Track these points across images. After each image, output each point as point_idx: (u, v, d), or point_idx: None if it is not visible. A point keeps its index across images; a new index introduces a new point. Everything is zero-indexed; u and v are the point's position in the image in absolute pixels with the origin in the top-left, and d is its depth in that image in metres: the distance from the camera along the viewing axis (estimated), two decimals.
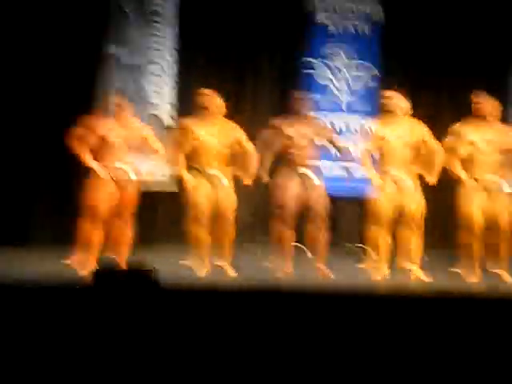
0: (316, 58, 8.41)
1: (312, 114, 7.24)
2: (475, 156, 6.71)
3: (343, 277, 6.69)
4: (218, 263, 6.79)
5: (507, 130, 6.86)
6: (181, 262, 6.76)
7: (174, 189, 7.76)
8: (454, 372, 3.97)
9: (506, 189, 6.75)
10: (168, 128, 8.06)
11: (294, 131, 6.81)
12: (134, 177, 6.72)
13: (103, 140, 6.65)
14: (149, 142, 6.84)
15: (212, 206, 6.74)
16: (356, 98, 8.39)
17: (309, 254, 7.15)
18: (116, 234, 6.69)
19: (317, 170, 6.91)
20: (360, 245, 7.89)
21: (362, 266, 6.98)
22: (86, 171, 6.66)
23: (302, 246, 7.69)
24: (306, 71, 8.38)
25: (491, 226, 6.71)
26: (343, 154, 7.05)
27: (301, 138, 6.81)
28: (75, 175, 7.05)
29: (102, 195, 6.58)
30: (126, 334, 4.02)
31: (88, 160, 6.61)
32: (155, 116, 8.15)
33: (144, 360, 3.86)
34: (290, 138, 6.81)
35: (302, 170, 6.81)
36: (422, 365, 4.00)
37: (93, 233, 6.56)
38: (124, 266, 6.39)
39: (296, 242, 7.31)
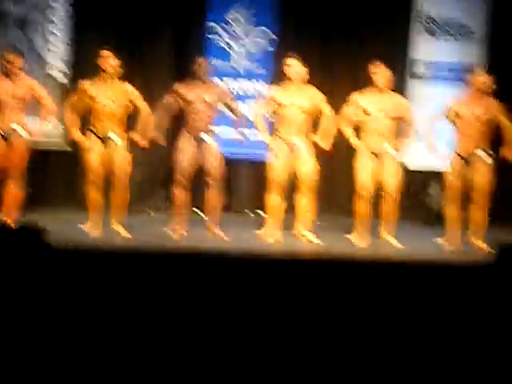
0: (217, 22, 8.41)
1: (212, 78, 7.29)
2: (369, 124, 6.88)
3: (238, 241, 6.79)
4: (114, 226, 6.79)
5: (398, 98, 7.04)
6: (79, 225, 6.73)
7: (68, 148, 7.69)
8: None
9: (396, 156, 6.97)
10: (62, 87, 7.95)
11: (194, 96, 6.85)
12: (24, 136, 6.61)
13: None
14: (42, 100, 6.73)
15: (107, 169, 6.73)
16: (254, 62, 8.44)
17: (204, 217, 7.24)
18: (6, 194, 6.60)
19: (215, 135, 7.00)
20: (258, 210, 8.07)
21: (258, 231, 7.06)
22: None
23: (197, 210, 7.80)
24: (207, 36, 8.37)
25: (381, 192, 6.92)
26: (241, 119, 7.12)
27: (200, 103, 6.86)
28: None
29: None
30: (15, 292, 4.01)
31: None
32: (49, 75, 8.01)
33: (31, 320, 3.86)
34: (189, 102, 6.86)
35: (201, 134, 6.86)
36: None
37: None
38: (14, 226, 6.37)
39: (195, 207, 7.49)
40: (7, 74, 6.63)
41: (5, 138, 6.56)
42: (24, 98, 6.65)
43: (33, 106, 6.80)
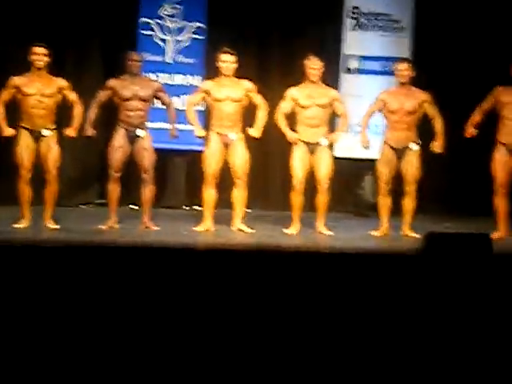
0: (149, 18, 8.37)
1: (145, 74, 7.27)
2: (303, 117, 6.95)
3: (172, 234, 6.78)
4: (46, 221, 6.73)
5: (331, 91, 7.12)
6: (13, 225, 6.65)
7: None
8: None
9: (330, 148, 7.06)
10: None
11: (128, 92, 6.84)
12: None
13: None
14: None
15: (37, 161, 6.68)
16: (187, 57, 8.43)
17: (138, 209, 7.24)
18: None
19: (149, 130, 7.00)
20: (194, 206, 8.09)
21: (195, 227, 7.04)
22: None
23: (132, 206, 7.79)
24: (139, 31, 8.33)
25: (315, 183, 7.00)
26: (174, 114, 7.11)
27: (134, 99, 6.85)
28: None
29: None
30: None
31: None
32: None
33: None
34: (124, 98, 6.84)
35: (135, 129, 6.86)
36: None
37: None
38: None
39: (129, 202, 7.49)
40: None
41: None
42: None
43: None
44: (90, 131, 6.85)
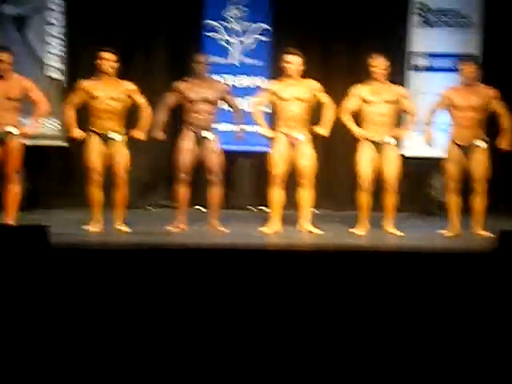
0: (214, 20, 8.42)
1: (211, 75, 7.30)
2: (369, 115, 6.90)
3: (240, 236, 6.79)
4: (116, 224, 6.81)
5: (397, 88, 7.06)
6: (83, 227, 6.75)
7: (65, 144, 7.74)
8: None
9: (397, 146, 6.98)
10: (60, 86, 7.98)
11: (195, 94, 6.89)
12: (19, 137, 6.63)
13: None
14: (36, 100, 6.71)
15: (106, 165, 6.76)
16: (252, 58, 8.45)
17: (205, 211, 7.28)
18: (6, 195, 6.63)
19: (216, 132, 7.03)
20: (261, 207, 8.11)
21: (261, 228, 7.04)
22: None
23: (199, 207, 7.84)
24: (204, 33, 8.39)
25: (382, 182, 6.94)
26: (241, 115, 7.13)
27: (201, 101, 6.89)
28: None
29: None
30: (18, 290, 4.03)
31: None
32: (48, 75, 8.03)
33: (35, 316, 3.87)
34: (191, 101, 6.89)
35: (202, 131, 6.89)
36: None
37: None
38: (14, 224, 6.41)
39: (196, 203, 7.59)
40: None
41: (2, 140, 6.58)
42: (17, 98, 6.63)
43: (29, 106, 6.78)
44: (159, 134, 6.92)
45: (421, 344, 3.85)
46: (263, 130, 7.00)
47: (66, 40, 8.13)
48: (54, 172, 8.24)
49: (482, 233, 6.81)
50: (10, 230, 4.73)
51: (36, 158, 7.81)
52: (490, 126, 6.92)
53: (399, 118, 7.20)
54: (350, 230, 6.97)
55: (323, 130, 6.92)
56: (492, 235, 6.37)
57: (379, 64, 6.89)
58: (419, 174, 8.31)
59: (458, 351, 3.80)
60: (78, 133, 6.78)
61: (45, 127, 7.86)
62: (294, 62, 6.87)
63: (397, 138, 6.98)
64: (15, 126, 6.62)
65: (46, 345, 3.73)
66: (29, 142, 7.13)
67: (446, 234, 6.92)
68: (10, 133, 6.58)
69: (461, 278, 4.72)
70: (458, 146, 6.85)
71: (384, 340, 3.91)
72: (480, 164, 6.82)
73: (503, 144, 6.80)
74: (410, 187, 7.92)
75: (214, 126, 7.02)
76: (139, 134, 6.83)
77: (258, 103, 7.06)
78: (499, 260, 4.54)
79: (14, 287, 4.03)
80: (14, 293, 4.00)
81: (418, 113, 7.01)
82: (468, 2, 8.33)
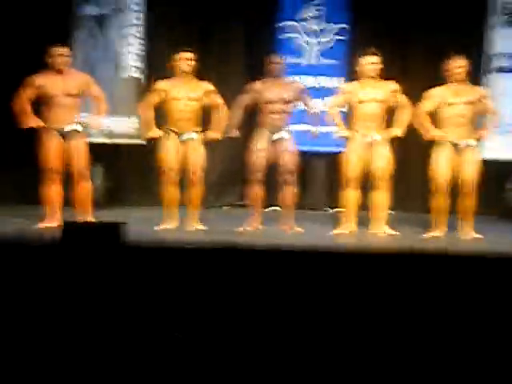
0: (290, 20, 8.41)
1: (287, 77, 7.29)
2: (449, 115, 6.77)
3: (315, 237, 6.74)
4: (191, 222, 6.84)
5: (477, 89, 6.92)
6: (156, 227, 6.79)
7: (143, 142, 7.84)
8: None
9: (477, 148, 6.82)
10: (139, 85, 8.08)
11: (271, 94, 6.89)
12: (83, 133, 6.71)
13: (47, 96, 6.59)
14: (95, 97, 6.77)
15: (182, 164, 6.80)
16: (329, 58, 8.42)
17: (278, 210, 7.27)
18: (76, 193, 6.71)
19: (292, 134, 7.01)
20: (336, 209, 8.07)
21: (335, 230, 6.98)
22: (36, 132, 6.61)
23: (274, 207, 7.84)
24: (280, 34, 8.39)
25: (459, 185, 6.80)
26: (317, 116, 7.09)
27: (277, 101, 6.89)
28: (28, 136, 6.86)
29: (53, 154, 6.59)
30: (93, 287, 4.08)
31: (31, 120, 6.55)
32: (127, 75, 8.14)
33: (108, 314, 3.92)
34: (267, 101, 6.89)
35: (278, 131, 6.89)
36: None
37: (54, 192, 6.61)
38: (90, 220, 6.50)
39: (271, 205, 7.62)
40: (58, 70, 6.62)
41: (63, 137, 6.64)
42: (78, 94, 6.69)
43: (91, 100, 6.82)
44: (233, 132, 6.93)
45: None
46: (340, 130, 6.96)
47: (145, 39, 8.24)
48: (132, 170, 8.35)
49: None
50: (86, 227, 4.80)
51: (114, 155, 7.95)
52: None
53: (478, 119, 7.06)
54: (427, 233, 6.86)
55: (398, 130, 6.83)
56: None
57: (458, 64, 6.76)
58: (500, 176, 8.13)
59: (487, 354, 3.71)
60: (155, 132, 6.84)
61: (123, 126, 7.98)
62: (371, 62, 6.80)
63: (478, 140, 6.83)
64: (78, 123, 6.69)
65: (121, 340, 3.77)
66: (108, 140, 7.27)
67: None
68: (75, 130, 6.66)
69: None
70: None
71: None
72: None
73: None
74: (489, 190, 7.74)
75: (288, 126, 7.00)
76: (215, 134, 6.86)
77: (335, 103, 7.01)
78: None
79: (89, 284, 4.08)
80: (90, 290, 4.05)
81: (499, 114, 6.86)
82: None
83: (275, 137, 6.89)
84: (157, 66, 7.75)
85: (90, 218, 6.63)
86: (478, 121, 7.00)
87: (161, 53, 7.79)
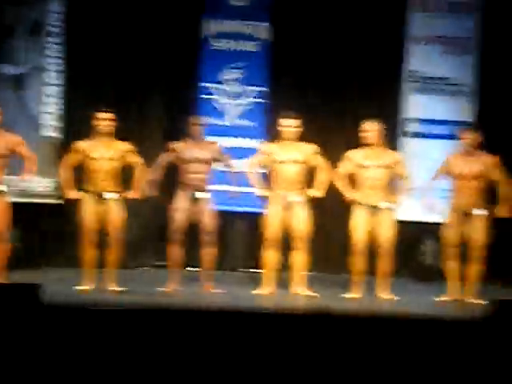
0: (210, 82, 8.52)
1: (206, 137, 7.37)
2: (364, 179, 6.94)
3: (234, 298, 6.75)
4: (108, 283, 6.78)
5: (391, 153, 7.12)
6: (76, 288, 6.71)
7: (60, 202, 7.77)
8: None
9: (392, 211, 6.99)
10: (56, 146, 8.02)
11: (190, 155, 6.95)
12: (6, 193, 6.62)
13: None
14: (24, 157, 6.72)
15: (101, 224, 6.76)
16: (247, 120, 8.54)
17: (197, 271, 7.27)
18: None
19: (212, 194, 7.06)
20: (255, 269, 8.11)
21: (255, 291, 7.02)
22: None
23: (192, 268, 7.83)
24: (200, 96, 8.48)
25: (376, 247, 6.93)
26: (236, 176, 7.16)
27: (196, 162, 6.94)
28: None
29: None
30: (13, 346, 4.00)
31: None
32: (44, 135, 8.06)
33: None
34: (186, 161, 6.95)
35: (196, 192, 6.93)
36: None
37: None
38: (5, 282, 6.37)
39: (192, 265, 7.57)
40: None
41: None
42: (5, 154, 6.63)
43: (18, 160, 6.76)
44: (152, 191, 6.94)
45: None
46: (260, 191, 7.03)
47: (64, 99, 8.20)
48: (48, 230, 8.20)
49: (476, 301, 6.79)
50: (5, 288, 4.71)
51: (29, 216, 7.81)
52: (490, 194, 6.94)
53: (392, 182, 7.25)
54: (344, 294, 6.94)
55: (317, 192, 6.95)
56: (487, 304, 6.36)
57: (372, 128, 6.96)
58: (412, 238, 8.32)
59: None
60: (74, 194, 6.80)
61: (40, 186, 7.89)
62: (290, 125, 6.94)
63: (392, 203, 7.00)
64: (2, 183, 6.59)
65: None
66: (23, 200, 7.15)
67: (442, 299, 6.90)
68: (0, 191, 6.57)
69: (452, 346, 4.71)
70: (458, 212, 6.87)
71: None
72: (478, 232, 6.82)
73: (501, 212, 6.83)
74: (403, 252, 7.90)
75: (208, 186, 7.05)
76: (134, 194, 6.86)
77: (254, 164, 7.11)
78: (492, 328, 4.53)
79: (6, 345, 3.99)
80: (7, 350, 3.97)
81: (412, 178, 7.06)
82: (460, 70, 8.45)
83: (195, 197, 6.93)
84: (76, 126, 7.72)
85: (3, 280, 6.50)
86: (394, 184, 7.22)
87: (80, 113, 7.77)
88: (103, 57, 8.29)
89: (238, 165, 7.61)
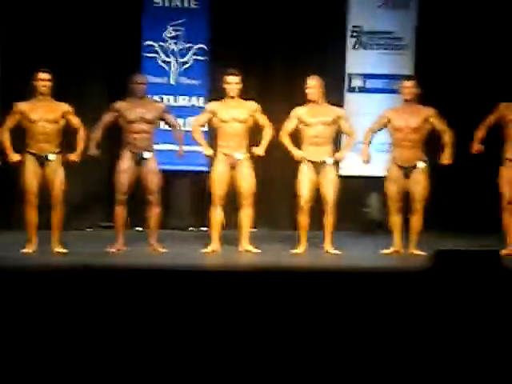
0: (153, 41, 8.42)
1: (150, 96, 7.33)
2: (308, 136, 6.96)
3: (179, 256, 6.78)
4: (53, 245, 6.74)
5: (335, 109, 7.14)
6: (21, 251, 6.66)
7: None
8: None
9: (335, 166, 7.07)
10: None
11: (134, 115, 6.88)
12: None
13: None
14: None
15: (41, 186, 6.70)
16: (191, 78, 8.47)
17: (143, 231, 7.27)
18: None
19: (155, 152, 7.03)
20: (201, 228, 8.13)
21: (205, 249, 7.03)
22: None
23: (138, 228, 7.82)
24: (143, 54, 8.38)
25: (321, 201, 7.00)
26: (180, 135, 7.12)
27: (140, 122, 6.89)
28: None
29: None
30: None
31: None
32: None
33: None
34: (130, 121, 6.88)
35: (141, 152, 6.89)
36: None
37: None
38: None
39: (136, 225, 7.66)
40: None
41: None
42: None
43: None
44: (93, 151, 6.87)
45: (357, 362, 3.89)
46: (204, 149, 7.01)
47: (1, 60, 8.01)
48: None
49: (417, 252, 6.92)
50: None
51: None
52: (431, 144, 7.03)
53: (338, 137, 7.30)
54: (290, 250, 7.01)
55: (259, 150, 6.96)
56: (427, 254, 6.48)
57: (312, 84, 6.97)
58: (356, 193, 8.41)
59: (394, 369, 3.84)
60: (15, 157, 6.70)
61: None
62: (233, 82, 6.92)
63: (336, 159, 7.06)
64: None
65: None
66: None
67: (386, 251, 7.01)
68: None
69: (396, 297, 4.79)
70: (399, 166, 6.96)
71: (320, 361, 3.93)
72: (419, 184, 6.92)
73: (445, 159, 6.93)
74: (347, 206, 7.99)
75: (152, 145, 7.01)
76: (74, 157, 6.78)
77: (198, 123, 7.08)
78: (434, 279, 4.62)
79: None
80: None
81: (355, 133, 7.11)
82: (400, 24, 8.47)
83: (140, 156, 6.88)
84: (13, 89, 7.56)
85: None
86: (338, 139, 7.27)
87: (18, 74, 7.62)
88: (42, 15, 8.08)
89: (181, 123, 7.59)
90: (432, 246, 5.61)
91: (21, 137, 6.80)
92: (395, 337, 4.09)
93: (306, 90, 6.97)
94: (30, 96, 6.78)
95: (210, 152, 6.96)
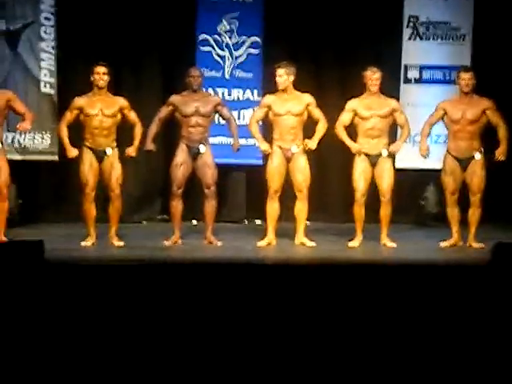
0: (208, 34, 8.44)
1: (205, 90, 7.35)
2: (364, 128, 6.92)
3: (236, 250, 6.77)
4: (111, 238, 6.82)
5: (391, 101, 7.06)
6: (81, 243, 6.75)
7: (56, 158, 7.78)
8: None
9: (391, 158, 7.01)
10: (47, 96, 7.96)
11: (190, 108, 6.91)
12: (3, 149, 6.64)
13: None
14: (20, 111, 6.72)
15: (98, 180, 6.79)
16: (246, 72, 8.47)
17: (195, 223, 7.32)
18: None
19: (210, 145, 7.06)
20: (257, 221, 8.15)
21: (259, 242, 7.02)
22: None
23: (194, 221, 7.87)
24: (198, 47, 8.41)
25: (378, 194, 6.94)
26: (236, 128, 7.11)
27: (196, 115, 6.91)
28: None
29: None
30: (18, 305, 4.03)
31: None
32: (42, 92, 7.99)
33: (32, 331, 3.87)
34: (186, 115, 6.91)
35: (197, 145, 6.91)
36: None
37: None
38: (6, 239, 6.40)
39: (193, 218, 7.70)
40: None
41: None
42: (1, 110, 6.64)
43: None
44: (150, 146, 6.92)
45: (417, 355, 3.86)
46: (260, 143, 7.01)
47: (60, 56, 8.09)
48: (46, 187, 8.20)
49: (476, 245, 6.83)
50: (3, 246, 4.72)
51: (27, 172, 7.80)
52: (489, 137, 6.92)
53: (394, 129, 7.23)
54: (346, 242, 6.97)
55: (312, 143, 6.92)
56: (486, 247, 6.39)
57: (373, 75, 6.92)
58: (413, 185, 8.32)
59: (453, 362, 3.80)
60: (73, 152, 6.79)
61: (37, 141, 7.86)
62: (284, 74, 6.88)
63: (393, 153, 7.01)
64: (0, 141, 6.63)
65: (39, 360, 3.72)
66: (20, 157, 7.13)
67: (443, 244, 6.94)
68: None
69: (455, 290, 4.73)
70: (455, 158, 6.88)
71: (380, 352, 3.91)
72: (476, 176, 6.84)
73: (499, 155, 6.82)
74: (404, 199, 7.92)
75: (207, 139, 7.04)
76: (131, 151, 6.84)
77: (256, 117, 7.07)
78: (493, 272, 4.55)
79: (9, 303, 4.02)
80: (10, 309, 3.99)
81: (410, 125, 7.04)
82: (458, 13, 8.34)
83: (196, 150, 6.91)
84: (70, 82, 7.66)
85: (2, 237, 6.54)
86: (395, 131, 7.20)
87: (74, 68, 7.71)
88: (99, 9, 8.15)
89: (235, 116, 7.60)
90: (491, 239, 5.54)
91: (78, 130, 6.88)
92: (455, 330, 4.05)
93: (368, 81, 6.90)
94: (86, 89, 6.85)
95: (265, 147, 6.96)
